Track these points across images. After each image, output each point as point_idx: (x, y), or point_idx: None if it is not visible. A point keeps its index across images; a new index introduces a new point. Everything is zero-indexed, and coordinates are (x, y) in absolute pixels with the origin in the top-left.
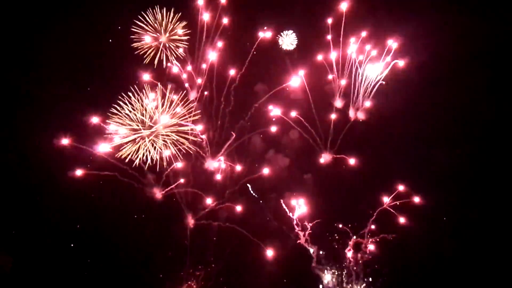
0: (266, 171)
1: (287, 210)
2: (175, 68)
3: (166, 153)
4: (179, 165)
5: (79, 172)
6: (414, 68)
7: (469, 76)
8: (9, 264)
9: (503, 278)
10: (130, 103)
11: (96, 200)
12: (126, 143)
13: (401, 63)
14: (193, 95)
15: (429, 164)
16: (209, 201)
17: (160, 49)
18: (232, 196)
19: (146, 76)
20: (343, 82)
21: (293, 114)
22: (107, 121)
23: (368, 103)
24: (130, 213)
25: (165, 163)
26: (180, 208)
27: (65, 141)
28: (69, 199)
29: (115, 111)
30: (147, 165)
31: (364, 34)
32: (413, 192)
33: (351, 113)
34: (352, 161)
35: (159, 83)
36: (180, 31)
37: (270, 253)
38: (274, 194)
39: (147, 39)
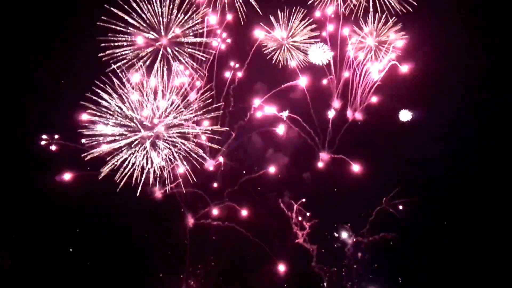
0: (271, 169)
1: (285, 209)
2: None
3: (156, 160)
4: (180, 170)
5: (76, 173)
6: (413, 68)
7: (468, 76)
8: (8, 261)
9: (502, 277)
10: (129, 100)
11: (95, 199)
12: (120, 147)
13: (404, 68)
14: (192, 95)
15: (428, 163)
16: (215, 212)
17: (160, 52)
18: (231, 195)
19: (136, 77)
20: (346, 74)
21: (285, 114)
22: (96, 120)
23: (373, 99)
24: (130, 213)
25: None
26: (180, 208)
27: (59, 141)
28: (67, 199)
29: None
30: (146, 169)
31: (367, 29)
32: (411, 191)
33: (349, 113)
34: (356, 167)
35: (159, 83)
36: (177, 30)
37: (282, 268)
38: (273, 193)
39: (140, 40)
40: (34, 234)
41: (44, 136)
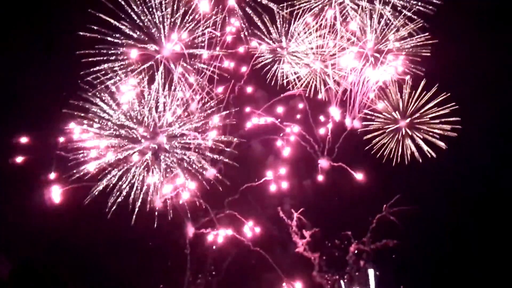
0: (271, 178)
1: (285, 218)
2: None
3: (153, 179)
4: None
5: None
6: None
7: (471, 82)
8: (6, 271)
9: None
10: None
11: (94, 208)
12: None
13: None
14: (193, 105)
15: (428, 170)
16: (224, 232)
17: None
18: (231, 204)
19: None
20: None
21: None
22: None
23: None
24: (128, 222)
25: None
26: (180, 217)
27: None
28: (63, 209)
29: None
30: (147, 181)
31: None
32: (413, 198)
33: (348, 122)
34: (355, 175)
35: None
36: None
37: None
38: (273, 202)
39: (133, 54)
40: (32, 243)
41: (24, 139)
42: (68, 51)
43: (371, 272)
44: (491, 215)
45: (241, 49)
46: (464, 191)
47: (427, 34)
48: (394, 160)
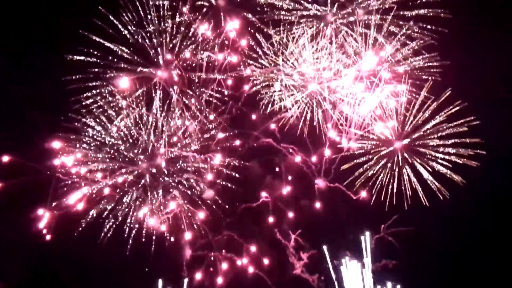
0: (268, 199)
1: (282, 239)
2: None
3: (151, 202)
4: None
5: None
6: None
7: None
8: None
9: None
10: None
11: (90, 232)
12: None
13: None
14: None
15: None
16: (222, 254)
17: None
18: (229, 225)
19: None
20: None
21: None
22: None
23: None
24: (125, 245)
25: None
26: (177, 239)
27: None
28: (62, 230)
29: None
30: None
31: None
32: (410, 219)
33: (344, 143)
34: (352, 196)
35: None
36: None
37: None
38: (270, 223)
39: (123, 83)
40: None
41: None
42: (65, 71)
43: None
44: (494, 235)
45: (247, 71)
46: (465, 212)
47: (436, 53)
48: (388, 199)
